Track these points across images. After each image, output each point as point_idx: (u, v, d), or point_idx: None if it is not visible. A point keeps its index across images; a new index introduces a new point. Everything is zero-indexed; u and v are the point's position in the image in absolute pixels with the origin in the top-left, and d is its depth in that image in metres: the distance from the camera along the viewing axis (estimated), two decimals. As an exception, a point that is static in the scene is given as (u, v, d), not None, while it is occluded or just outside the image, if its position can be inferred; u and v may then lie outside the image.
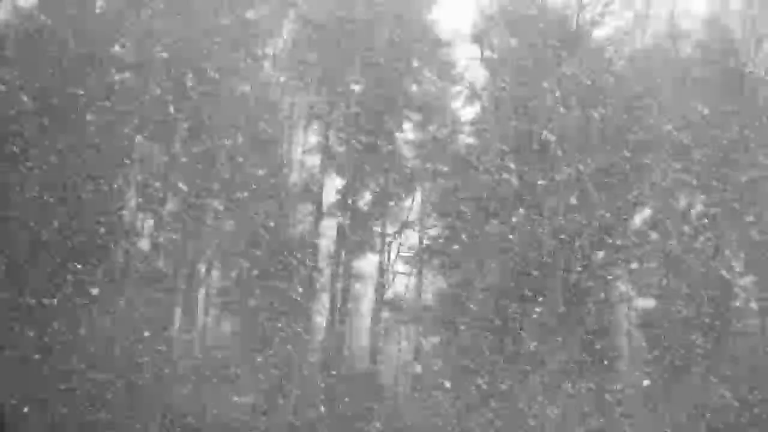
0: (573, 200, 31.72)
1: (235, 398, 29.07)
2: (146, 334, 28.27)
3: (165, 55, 31.60)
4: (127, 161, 31.13)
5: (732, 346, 30.42)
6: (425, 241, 35.49)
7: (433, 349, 33.09)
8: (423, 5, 37.67)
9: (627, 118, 33.11)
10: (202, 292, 33.06)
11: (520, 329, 30.54)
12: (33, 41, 29.69)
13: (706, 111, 33.22)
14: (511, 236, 31.57)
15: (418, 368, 33.01)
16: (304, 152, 36.45)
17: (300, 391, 30.00)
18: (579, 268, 31.08)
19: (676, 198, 32.57)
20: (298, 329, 31.59)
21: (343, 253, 34.79)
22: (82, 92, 29.60)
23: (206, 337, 32.74)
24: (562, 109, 32.94)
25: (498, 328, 30.84)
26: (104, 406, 26.56)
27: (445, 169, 34.50)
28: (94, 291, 27.85)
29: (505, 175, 32.77)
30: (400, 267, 35.69)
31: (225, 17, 33.09)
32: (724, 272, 31.69)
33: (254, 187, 31.89)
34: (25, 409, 25.00)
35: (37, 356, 26.21)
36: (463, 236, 32.40)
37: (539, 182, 32.31)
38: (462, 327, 31.03)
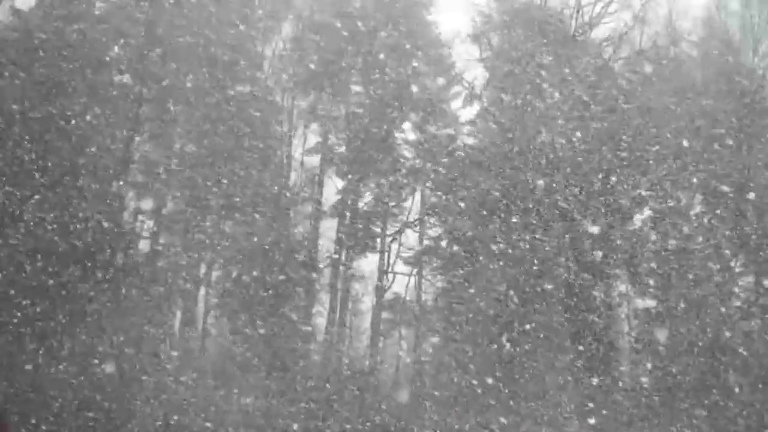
0: (573, 200, 31.76)
1: (235, 399, 29.03)
2: (146, 335, 28.20)
3: (164, 54, 31.59)
4: (127, 161, 31.10)
5: (732, 346, 30.38)
6: (425, 241, 35.51)
7: (433, 349, 33.04)
8: (422, 5, 37.68)
9: (626, 119, 33.16)
10: (202, 293, 33.00)
11: (520, 329, 30.51)
12: (31, 42, 29.58)
13: (705, 112, 33.28)
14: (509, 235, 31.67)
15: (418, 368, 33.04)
16: (304, 152, 36.48)
17: (299, 391, 29.95)
18: (579, 268, 31.10)
19: (676, 198, 32.59)
20: (298, 329, 31.59)
21: (343, 253, 34.77)
22: (81, 93, 29.53)
23: (206, 338, 32.68)
24: (561, 110, 33.00)
25: (498, 328, 30.82)
26: (104, 408, 26.46)
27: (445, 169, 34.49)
28: (94, 292, 27.70)
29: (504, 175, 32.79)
30: (400, 267, 35.72)
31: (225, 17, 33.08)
32: (723, 272, 31.77)
33: (254, 187, 31.85)
34: (24, 409, 24.97)
35: (36, 358, 26.11)
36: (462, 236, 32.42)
37: (539, 182, 32.31)
38: (461, 327, 31.03)
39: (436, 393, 30.65)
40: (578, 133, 32.63)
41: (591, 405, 29.07)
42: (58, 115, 28.82)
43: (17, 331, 26.17)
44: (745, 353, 30.00)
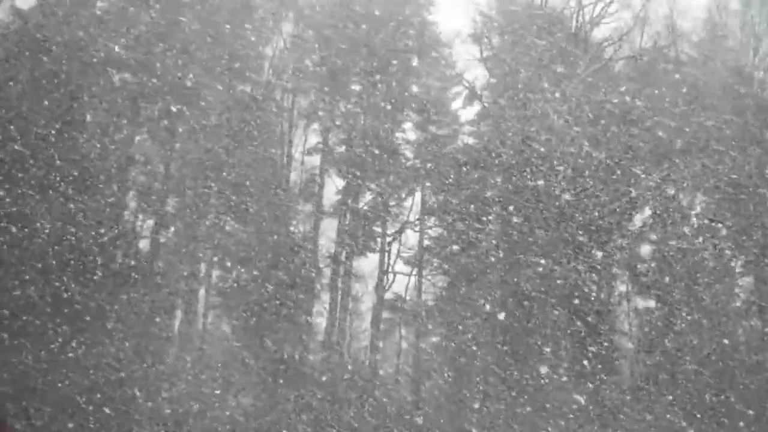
0: (573, 200, 31.75)
1: (235, 399, 29.04)
2: (146, 334, 28.22)
3: (165, 54, 31.62)
4: (127, 161, 31.10)
5: (732, 346, 30.33)
6: (425, 241, 35.52)
7: (433, 349, 33.02)
8: (423, 5, 37.73)
9: (626, 119, 33.17)
10: (202, 292, 33.00)
11: (521, 329, 30.49)
12: (32, 42, 29.58)
13: (705, 111, 33.27)
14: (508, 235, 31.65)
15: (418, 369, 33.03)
16: (304, 152, 36.51)
17: (299, 390, 29.95)
18: (579, 268, 31.08)
19: (676, 198, 32.55)
20: (298, 329, 31.60)
21: (343, 253, 34.78)
22: (81, 92, 29.55)
23: (206, 337, 32.67)
24: (561, 110, 32.99)
25: (498, 328, 30.80)
26: (103, 407, 26.47)
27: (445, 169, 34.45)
28: (96, 294, 27.67)
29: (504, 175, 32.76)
30: (400, 267, 35.73)
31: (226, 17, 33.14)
32: (723, 272, 31.72)
33: (254, 187, 31.86)
34: (23, 405, 25.01)
35: (35, 357, 26.05)
36: (463, 236, 32.39)
37: (539, 182, 32.29)
38: (462, 326, 31.01)
39: (434, 392, 30.65)
40: (578, 133, 32.59)
41: (592, 405, 29.05)
42: (58, 115, 28.81)
43: (20, 334, 26.08)
44: (744, 352, 29.94)
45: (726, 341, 30.09)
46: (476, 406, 29.47)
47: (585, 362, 29.98)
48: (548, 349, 30.03)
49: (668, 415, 28.90)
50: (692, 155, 32.69)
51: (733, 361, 29.75)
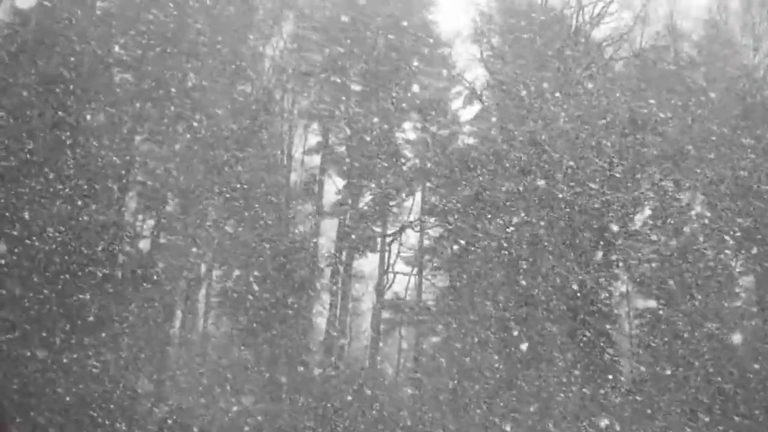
0: (573, 200, 31.73)
1: (235, 400, 29.02)
2: (153, 340, 28.21)
3: (165, 54, 31.58)
4: (127, 161, 31.05)
5: (731, 346, 30.31)
6: (425, 241, 35.51)
7: (433, 349, 33.02)
8: (423, 5, 37.74)
9: (626, 119, 33.12)
10: (202, 293, 32.98)
11: (521, 329, 30.48)
12: (32, 42, 29.52)
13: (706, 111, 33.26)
14: (510, 236, 31.62)
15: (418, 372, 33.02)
16: (304, 152, 36.50)
17: (300, 391, 29.94)
18: (579, 269, 31.05)
19: (676, 198, 32.53)
20: (299, 329, 31.58)
21: (343, 253, 34.77)
22: (81, 92, 29.49)
23: (207, 338, 32.66)
24: (562, 110, 32.96)
25: (498, 328, 30.79)
26: (113, 416, 26.43)
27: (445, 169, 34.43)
28: (97, 294, 27.62)
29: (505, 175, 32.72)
30: (400, 267, 35.75)
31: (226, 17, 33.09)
32: (723, 272, 31.70)
33: (255, 187, 31.84)
34: (30, 415, 24.95)
35: (43, 365, 25.99)
36: (463, 237, 32.36)
37: (539, 182, 32.27)
38: (464, 327, 31.00)
39: (436, 393, 30.63)
40: (579, 134, 32.55)
41: (591, 405, 29.02)
42: (57, 115, 28.75)
43: (28, 343, 26.01)
44: (747, 353, 29.92)
45: (728, 342, 30.04)
46: (478, 408, 29.42)
47: (585, 362, 29.94)
48: (553, 351, 29.98)
49: (671, 417, 28.86)
50: (697, 157, 32.61)
51: (737, 363, 29.70)
